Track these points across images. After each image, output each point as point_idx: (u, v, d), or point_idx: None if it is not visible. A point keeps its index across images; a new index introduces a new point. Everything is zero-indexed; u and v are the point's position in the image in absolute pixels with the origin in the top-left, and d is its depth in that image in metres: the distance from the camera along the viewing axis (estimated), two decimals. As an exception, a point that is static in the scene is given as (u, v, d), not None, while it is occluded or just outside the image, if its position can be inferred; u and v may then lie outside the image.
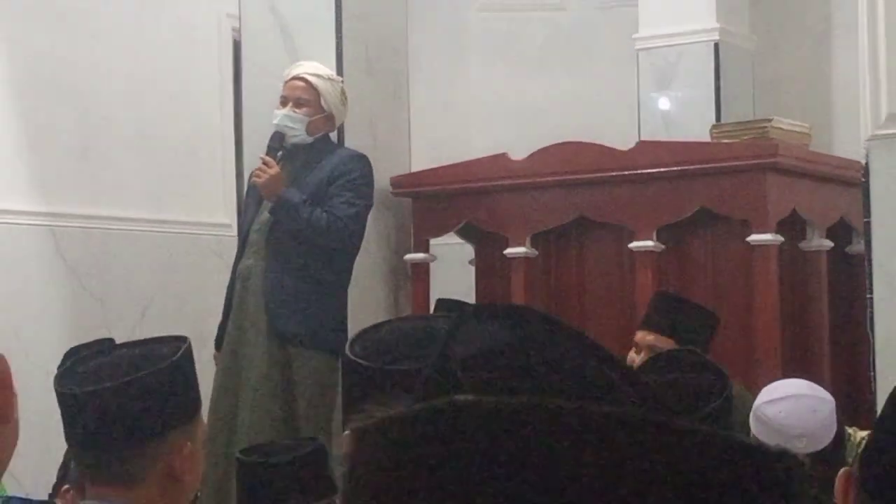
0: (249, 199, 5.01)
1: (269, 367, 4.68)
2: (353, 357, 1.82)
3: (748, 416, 3.51)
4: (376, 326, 1.94)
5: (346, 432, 1.88)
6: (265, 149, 4.84)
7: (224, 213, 6.10)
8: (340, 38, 5.33)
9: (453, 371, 0.98)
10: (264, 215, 4.80)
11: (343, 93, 4.95)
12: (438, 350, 0.99)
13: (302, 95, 4.86)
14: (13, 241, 5.32)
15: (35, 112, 5.47)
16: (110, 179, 5.72)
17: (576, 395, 0.96)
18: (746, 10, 6.37)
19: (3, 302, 5.16)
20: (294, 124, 4.83)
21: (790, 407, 3.24)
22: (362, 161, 4.91)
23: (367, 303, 5.27)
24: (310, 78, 4.87)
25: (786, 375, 4.41)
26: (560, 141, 5.33)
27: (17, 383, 2.01)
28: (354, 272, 4.97)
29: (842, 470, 1.34)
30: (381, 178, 5.37)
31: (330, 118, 4.92)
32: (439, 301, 4.73)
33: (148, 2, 5.96)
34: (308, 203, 4.72)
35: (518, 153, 5.39)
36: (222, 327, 4.85)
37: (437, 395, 0.96)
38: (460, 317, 1.04)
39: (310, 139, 4.87)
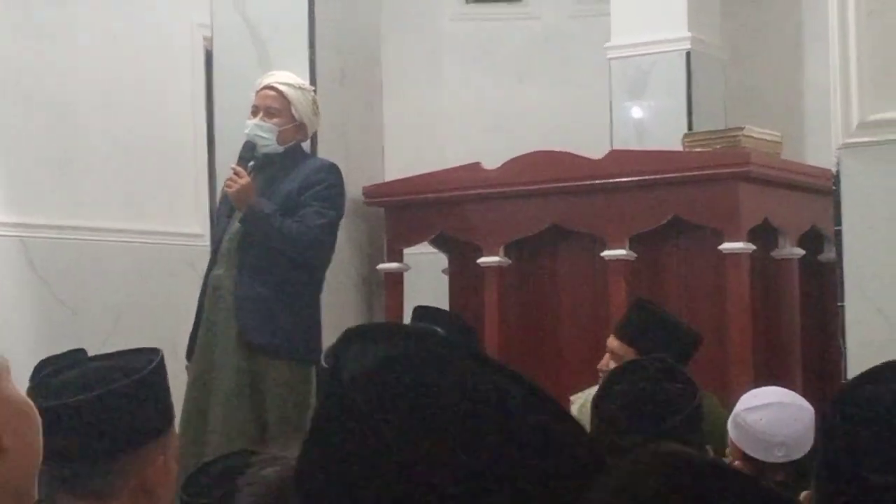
0: (221, 209, 5.00)
1: (240, 377, 4.66)
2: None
3: (716, 424, 3.52)
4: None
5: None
6: (237, 159, 4.83)
7: (197, 223, 6.09)
8: (313, 47, 5.33)
9: (342, 389, 1.03)
10: (235, 225, 4.78)
11: (315, 102, 4.94)
12: (329, 369, 1.04)
13: (273, 105, 4.85)
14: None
15: (7, 121, 5.45)
16: (83, 189, 5.70)
17: (462, 411, 0.99)
18: (718, 19, 6.40)
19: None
20: (265, 134, 4.81)
21: (771, 415, 3.25)
22: (333, 171, 4.89)
23: (340, 312, 5.26)
24: (281, 87, 4.86)
25: (758, 383, 4.42)
26: (533, 150, 5.34)
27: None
28: (328, 282, 4.96)
29: (803, 494, 1.36)
30: (355, 187, 5.37)
31: (301, 127, 4.90)
32: (417, 308, 4.72)
33: (121, 12, 5.94)
34: (279, 213, 4.71)
35: (491, 162, 5.39)
36: (193, 337, 4.82)
37: (329, 412, 1.01)
38: (348, 336, 1.08)
39: (281, 149, 4.86)
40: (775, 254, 5.18)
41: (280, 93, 4.85)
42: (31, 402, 1.51)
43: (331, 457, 1.01)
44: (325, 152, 5.17)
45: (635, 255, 5.05)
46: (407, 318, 5.13)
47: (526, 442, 1.00)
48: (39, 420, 1.50)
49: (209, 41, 5.71)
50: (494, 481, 0.98)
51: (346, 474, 1.00)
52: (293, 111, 4.85)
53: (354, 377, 1.03)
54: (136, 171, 5.95)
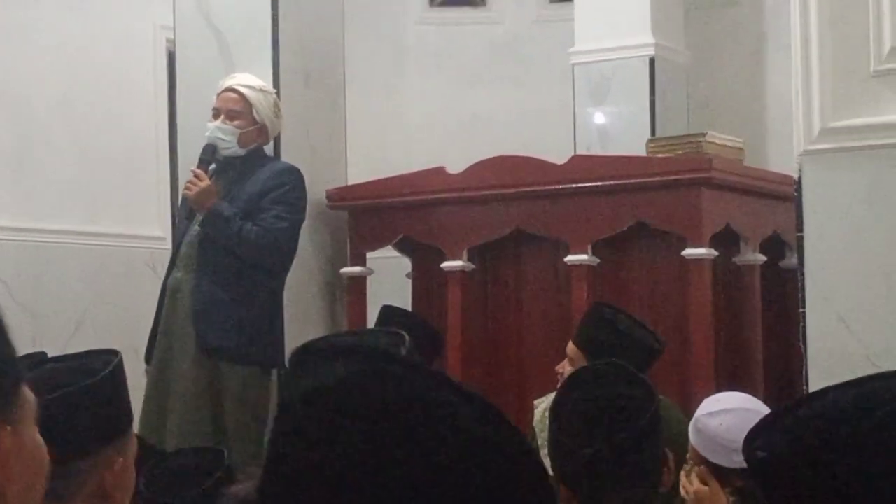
0: (182, 212, 4.97)
1: (198, 380, 4.63)
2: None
3: (677, 430, 3.51)
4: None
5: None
6: (198, 161, 4.80)
7: (158, 226, 6.05)
8: (277, 49, 5.31)
9: (294, 405, 1.06)
10: (195, 228, 4.76)
11: (276, 104, 4.92)
12: (284, 386, 1.07)
13: (234, 107, 4.82)
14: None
15: (-34, 123, 5.41)
16: (43, 191, 5.66)
17: (414, 431, 1.01)
18: (681, 26, 6.42)
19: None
20: (226, 136, 4.79)
21: (731, 420, 3.25)
22: (294, 174, 4.87)
23: (303, 316, 5.25)
24: (242, 89, 4.84)
25: (720, 389, 4.43)
26: (496, 154, 5.34)
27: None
28: (291, 285, 4.95)
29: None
30: (318, 190, 5.35)
31: (263, 130, 4.88)
32: (384, 308, 4.70)
33: (83, 13, 5.91)
34: (239, 216, 4.68)
35: (455, 166, 5.39)
36: (152, 340, 4.79)
37: (281, 427, 1.05)
38: (301, 353, 1.11)
39: (242, 151, 4.84)
40: (737, 260, 5.19)
41: (241, 95, 4.83)
42: (44, 446, 1.47)
43: (288, 476, 1.03)
44: (288, 155, 5.15)
45: (598, 260, 5.05)
46: (370, 322, 5.12)
47: (474, 460, 1.02)
48: (48, 464, 1.47)
49: (172, 43, 5.68)
50: (443, 498, 1.00)
51: (304, 494, 1.01)
52: (254, 114, 4.83)
53: (308, 396, 1.06)
54: (96, 173, 5.92)
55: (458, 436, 1.02)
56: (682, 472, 3.26)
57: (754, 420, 3.28)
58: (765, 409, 3.34)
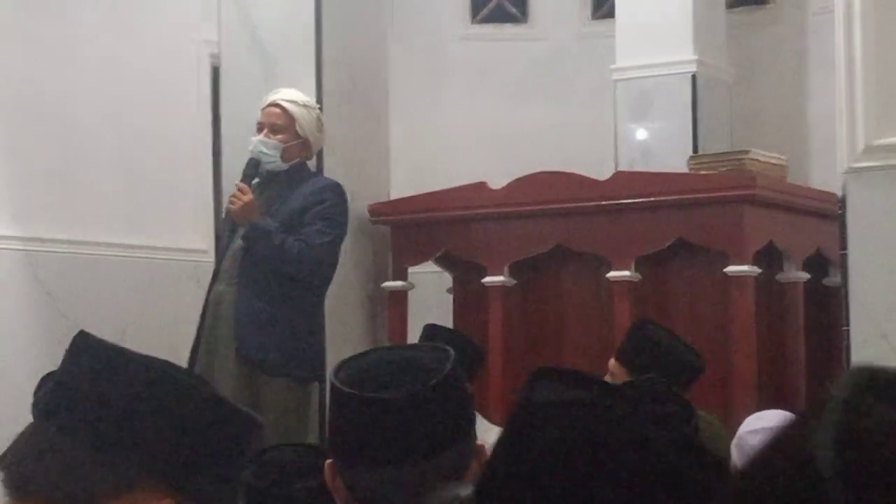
0: (225, 226, 5.01)
1: (239, 393, 4.64)
2: (337, 384, 1.82)
3: (718, 446, 3.51)
4: (363, 354, 1.93)
5: (328, 460, 1.87)
6: (241, 176, 4.84)
7: (201, 239, 6.09)
8: (320, 65, 5.34)
9: (531, 414, 1.15)
10: (238, 242, 4.79)
11: (319, 119, 4.95)
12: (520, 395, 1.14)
13: (277, 122, 4.85)
14: (-11, 266, 5.30)
15: (14, 137, 5.46)
16: (89, 205, 5.70)
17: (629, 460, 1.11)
18: (724, 42, 6.41)
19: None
20: (269, 151, 4.82)
21: (766, 415, 3.26)
22: (337, 190, 4.89)
23: (344, 330, 5.27)
24: (285, 104, 4.87)
25: (762, 406, 4.41)
26: (538, 170, 5.35)
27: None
28: (332, 299, 4.97)
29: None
30: (360, 205, 5.38)
31: (306, 145, 4.91)
32: (427, 326, 4.70)
33: (128, 27, 5.95)
34: (281, 231, 4.71)
35: (496, 181, 5.40)
36: (194, 352, 4.82)
37: (517, 430, 1.12)
38: (541, 372, 1.26)
39: (285, 166, 4.86)
40: (780, 277, 5.18)
41: (284, 110, 4.86)
42: None
43: (511, 478, 1.09)
44: (330, 170, 5.18)
45: (640, 276, 5.05)
46: (412, 337, 5.13)
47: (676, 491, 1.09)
48: None
49: (216, 58, 5.72)
50: None
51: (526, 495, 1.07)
52: (297, 128, 4.86)
53: (543, 407, 1.12)
54: (141, 187, 5.96)
55: (660, 467, 1.09)
56: None
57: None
58: None
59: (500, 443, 1.12)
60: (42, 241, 5.47)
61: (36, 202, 5.50)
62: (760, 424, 3.34)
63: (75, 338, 1.48)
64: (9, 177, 5.44)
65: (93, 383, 1.43)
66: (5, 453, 1.45)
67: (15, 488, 1.42)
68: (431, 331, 4.66)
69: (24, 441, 1.43)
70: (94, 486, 1.40)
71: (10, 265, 5.37)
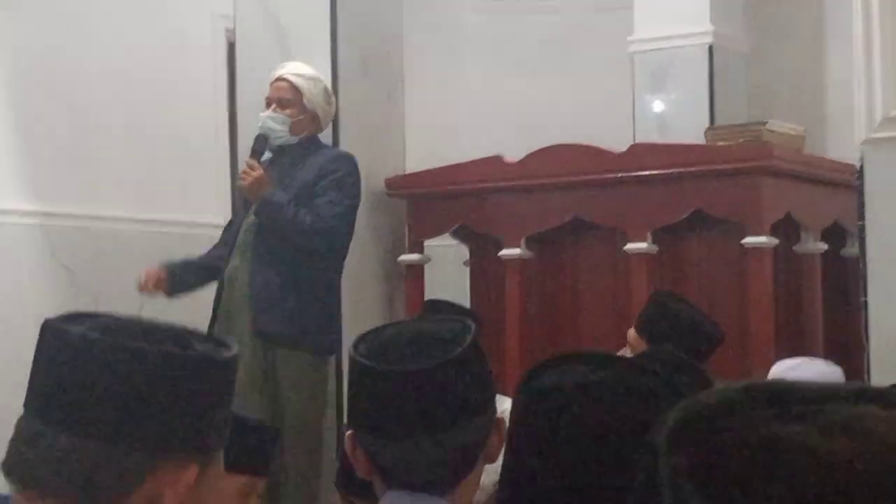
0: (238, 202, 5.01)
1: (255, 367, 4.66)
2: (358, 357, 1.83)
3: None
4: (382, 328, 1.95)
5: (349, 431, 1.88)
6: (250, 152, 4.84)
7: (217, 213, 6.09)
8: (335, 39, 5.33)
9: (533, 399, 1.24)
10: (251, 217, 4.79)
11: (327, 91, 4.93)
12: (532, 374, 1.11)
13: (285, 96, 4.84)
14: (6, 241, 5.31)
15: (29, 111, 5.46)
16: (104, 178, 5.71)
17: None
18: (740, 13, 6.38)
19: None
20: (277, 125, 4.81)
21: (801, 367, 3.35)
22: (347, 160, 4.89)
23: (361, 304, 5.27)
24: (292, 78, 4.86)
25: (780, 378, 4.41)
26: (554, 143, 5.34)
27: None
28: (349, 273, 4.97)
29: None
30: (377, 178, 5.37)
31: (314, 118, 4.89)
32: (429, 302, 4.70)
33: (141, 2, 5.95)
34: (293, 203, 4.70)
35: (512, 154, 5.39)
36: (211, 328, 4.83)
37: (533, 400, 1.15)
38: (565, 357, 1.26)
39: (295, 140, 4.86)
40: (798, 248, 5.16)
41: (291, 84, 4.85)
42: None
43: (521, 466, 1.11)
44: (346, 143, 5.17)
45: (657, 248, 5.04)
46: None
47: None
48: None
49: (231, 32, 5.71)
50: None
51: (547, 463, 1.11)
52: (305, 102, 4.85)
53: (549, 392, 1.16)
54: (158, 161, 5.97)
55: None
56: None
57: (824, 369, 3.44)
58: (831, 366, 3.45)
59: (514, 427, 1.13)
60: (58, 215, 5.49)
61: (51, 176, 5.51)
62: (786, 365, 3.40)
63: (43, 331, 1.44)
64: (25, 151, 5.45)
65: (80, 375, 1.38)
66: (12, 461, 1.41)
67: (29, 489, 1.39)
68: (433, 306, 4.65)
69: (36, 455, 1.38)
70: (120, 478, 1.39)
71: (26, 239, 5.38)
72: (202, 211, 6.11)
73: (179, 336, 1.45)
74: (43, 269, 5.43)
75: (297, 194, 4.74)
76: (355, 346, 1.86)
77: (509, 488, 1.17)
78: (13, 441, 1.42)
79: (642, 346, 3.90)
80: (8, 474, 1.41)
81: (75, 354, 1.39)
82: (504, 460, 1.18)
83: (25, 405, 1.42)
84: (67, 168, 5.58)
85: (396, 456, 1.79)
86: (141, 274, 4.83)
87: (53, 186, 5.50)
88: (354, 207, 4.85)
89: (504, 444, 1.46)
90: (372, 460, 1.82)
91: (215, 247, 4.99)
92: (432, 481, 1.79)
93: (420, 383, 1.78)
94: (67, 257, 5.50)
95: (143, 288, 4.83)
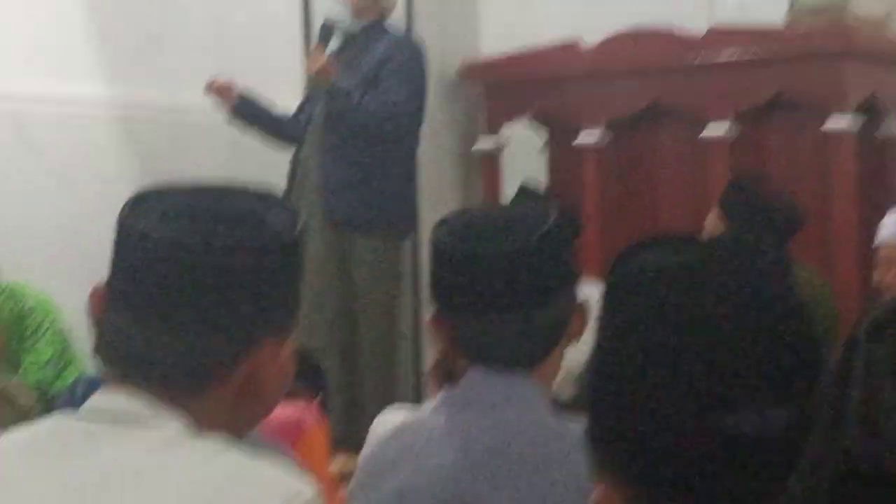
0: (306, 92, 5.02)
1: (328, 253, 4.70)
2: (442, 239, 1.84)
3: (821, 296, 3.55)
4: (465, 210, 1.96)
5: (432, 311, 1.89)
6: (317, 40, 4.83)
7: (293, 102, 6.09)
8: (409, -79, 5.27)
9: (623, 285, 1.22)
10: (321, 105, 4.80)
11: None
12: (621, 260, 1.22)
13: None
14: (83, 129, 5.34)
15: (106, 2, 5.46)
16: (180, 69, 5.71)
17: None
18: None
19: (72, 191, 5.19)
20: (341, 11, 4.83)
21: None
22: (411, 44, 4.87)
23: (437, 189, 5.27)
24: None
25: (861, 265, 4.36)
26: (631, 27, 5.25)
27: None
28: (424, 159, 4.96)
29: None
30: (451, 63, 5.34)
31: (377, 3, 4.87)
32: (521, 188, 4.66)
33: None
34: (360, 89, 4.70)
35: (589, 39, 5.31)
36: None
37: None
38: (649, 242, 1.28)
39: (358, 26, 4.85)
40: (880, 133, 5.07)
41: None
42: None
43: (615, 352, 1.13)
44: (420, 29, 5.14)
45: (736, 133, 4.97)
46: (506, 197, 5.12)
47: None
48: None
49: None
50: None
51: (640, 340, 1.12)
52: None
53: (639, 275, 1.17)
54: (232, 52, 5.94)
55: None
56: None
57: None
58: None
59: (603, 316, 1.14)
60: (135, 105, 5.50)
61: (130, 64, 5.51)
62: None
63: (116, 227, 1.45)
64: (102, 38, 5.45)
65: (154, 274, 1.39)
66: (110, 352, 1.42)
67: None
68: (522, 193, 4.62)
69: (131, 348, 1.39)
70: (219, 364, 1.40)
71: (103, 129, 5.41)
72: (277, 101, 6.10)
73: (249, 214, 1.48)
74: (118, 159, 5.46)
75: (363, 81, 4.73)
76: (438, 227, 1.87)
77: (600, 369, 1.16)
78: (107, 331, 1.43)
79: (722, 229, 3.89)
80: (110, 363, 1.42)
81: (144, 254, 1.39)
82: (597, 340, 1.17)
83: (112, 299, 1.43)
84: (145, 55, 5.57)
85: (479, 332, 1.80)
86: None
87: (132, 74, 5.51)
88: (421, 89, 4.82)
89: (590, 328, 1.46)
90: (455, 338, 1.84)
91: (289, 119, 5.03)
92: (518, 357, 1.80)
93: (505, 263, 1.78)
94: (144, 148, 5.52)
95: (210, 89, 4.82)
